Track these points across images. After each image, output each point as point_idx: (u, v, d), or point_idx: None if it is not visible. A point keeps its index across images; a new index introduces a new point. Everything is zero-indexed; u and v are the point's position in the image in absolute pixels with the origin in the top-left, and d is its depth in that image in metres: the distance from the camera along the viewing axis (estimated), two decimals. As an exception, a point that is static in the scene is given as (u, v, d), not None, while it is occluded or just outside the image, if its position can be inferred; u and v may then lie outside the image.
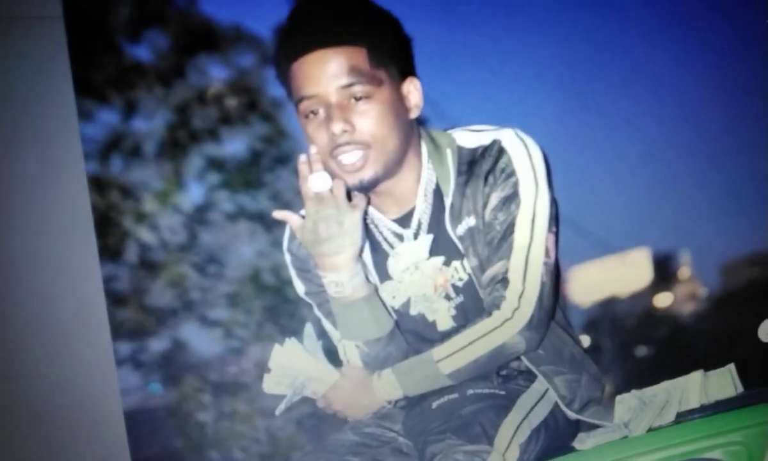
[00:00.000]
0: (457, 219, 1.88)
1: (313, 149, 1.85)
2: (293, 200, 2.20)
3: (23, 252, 2.47)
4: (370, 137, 1.82)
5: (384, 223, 1.94)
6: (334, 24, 1.81)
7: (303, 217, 1.89)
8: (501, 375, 1.95)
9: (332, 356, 2.00)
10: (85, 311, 2.52)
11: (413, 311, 1.96)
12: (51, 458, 2.46)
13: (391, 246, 1.94)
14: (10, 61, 2.43)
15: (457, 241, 1.89)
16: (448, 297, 1.94)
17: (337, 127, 1.80)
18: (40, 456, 2.45)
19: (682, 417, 1.87)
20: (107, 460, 2.52)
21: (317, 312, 2.05)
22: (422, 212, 1.91)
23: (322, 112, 1.82)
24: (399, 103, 1.85)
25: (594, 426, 1.93)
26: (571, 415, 1.93)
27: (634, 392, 1.91)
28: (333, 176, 1.85)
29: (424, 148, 1.91)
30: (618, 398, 1.92)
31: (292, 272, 2.05)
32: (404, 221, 1.93)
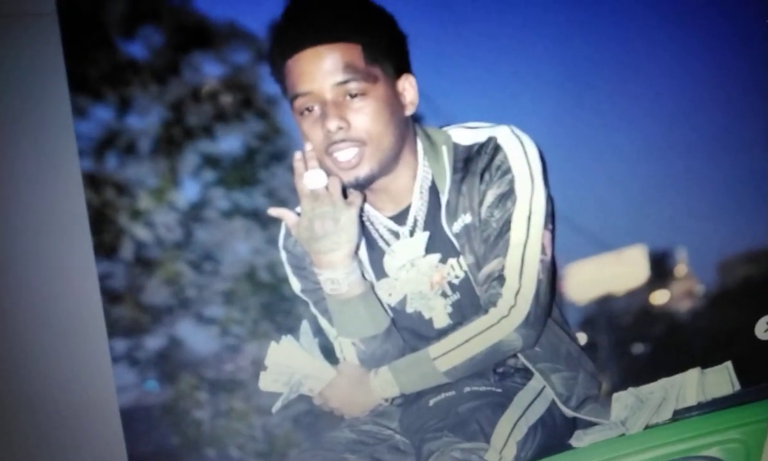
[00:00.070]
0: (453, 216, 1.88)
1: (308, 146, 1.85)
2: (289, 198, 2.20)
3: (18, 250, 2.47)
4: (366, 134, 1.82)
5: (380, 220, 1.94)
6: (329, 21, 1.81)
7: (299, 214, 1.90)
8: (498, 373, 1.95)
9: (329, 353, 2.00)
10: (80, 309, 2.51)
11: (410, 309, 1.97)
12: (47, 455, 2.46)
13: (387, 243, 1.94)
14: (4, 58, 2.43)
15: (453, 238, 1.89)
16: (444, 295, 1.94)
17: (333, 124, 1.80)
18: (36, 454, 2.45)
19: (679, 415, 1.88)
20: (104, 458, 2.51)
21: (313, 310, 2.05)
22: (418, 209, 1.91)
23: (317, 109, 1.82)
24: (394, 100, 1.85)
25: (591, 424, 1.93)
26: (568, 413, 1.94)
27: (631, 389, 1.91)
28: (328, 173, 1.86)
29: (420, 145, 1.91)
30: (615, 395, 1.92)
31: (288, 270, 2.05)
32: (400, 218, 1.93)
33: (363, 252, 1.95)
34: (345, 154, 1.82)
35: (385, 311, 1.96)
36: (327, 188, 1.85)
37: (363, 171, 1.84)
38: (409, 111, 1.88)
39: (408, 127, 1.89)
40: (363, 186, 1.87)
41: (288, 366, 1.96)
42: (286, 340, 1.98)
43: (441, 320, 1.96)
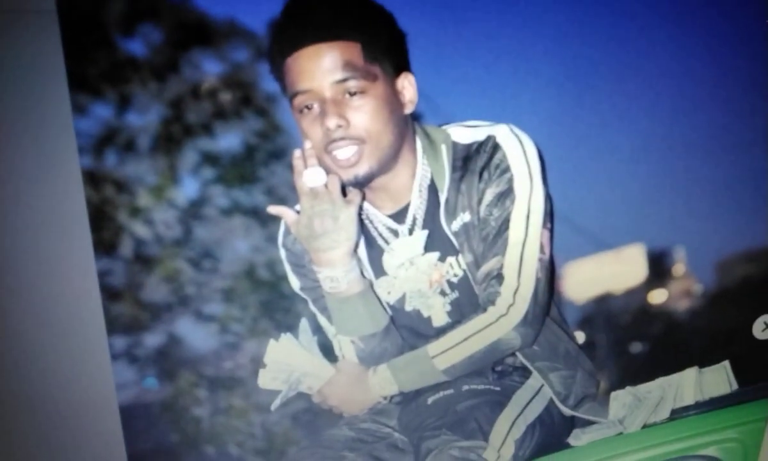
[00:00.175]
0: (452, 215, 1.88)
1: (307, 144, 1.85)
2: (288, 195, 2.20)
3: (17, 247, 2.47)
4: (365, 132, 1.82)
5: (379, 218, 1.94)
6: (329, 19, 1.81)
7: (298, 212, 1.90)
8: (496, 371, 1.95)
9: (328, 351, 2.00)
10: (79, 306, 2.51)
11: (408, 307, 1.97)
12: (47, 453, 2.46)
13: (386, 242, 1.95)
14: (4, 55, 2.43)
15: (452, 237, 1.89)
16: (443, 293, 1.94)
17: (332, 122, 1.80)
18: (35, 451, 2.45)
19: (677, 414, 1.88)
20: (103, 455, 2.51)
21: (312, 308, 2.05)
22: (417, 207, 1.91)
23: (316, 107, 1.82)
24: (393, 99, 1.85)
25: (589, 423, 1.93)
26: (566, 411, 1.94)
27: (628, 388, 1.92)
28: (328, 171, 1.86)
29: (419, 143, 1.91)
30: (613, 394, 1.92)
31: (287, 268, 2.05)
32: (399, 216, 1.93)
33: (362, 250, 1.95)
34: (344, 152, 1.83)
35: (384, 309, 1.96)
36: (326, 186, 1.86)
37: (362, 169, 1.84)
38: (408, 110, 1.88)
39: (407, 125, 1.89)
40: (362, 184, 1.87)
41: (287, 363, 1.96)
42: (285, 338, 1.98)
43: (440, 318, 1.96)
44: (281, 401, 1.98)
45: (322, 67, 1.80)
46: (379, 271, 1.96)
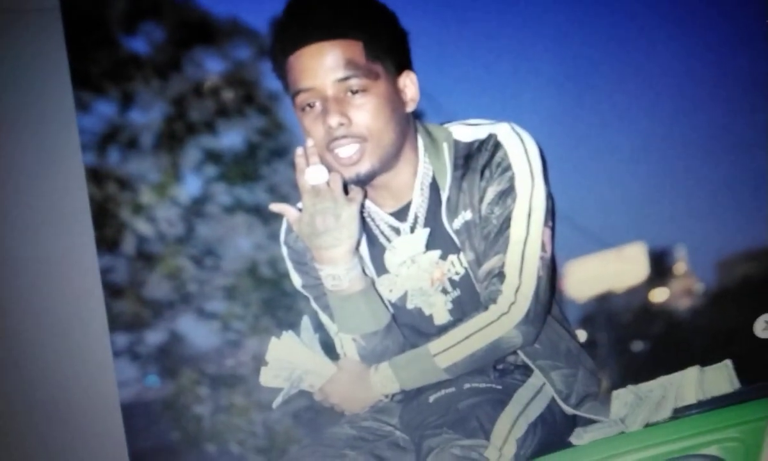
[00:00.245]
0: (453, 213, 1.88)
1: (309, 142, 1.85)
2: (290, 193, 2.21)
3: (20, 244, 2.47)
4: (367, 130, 1.82)
5: (381, 216, 1.94)
6: (331, 17, 1.81)
7: (300, 210, 1.89)
8: (498, 370, 1.95)
9: (329, 349, 1.99)
10: (82, 303, 2.52)
11: (410, 305, 1.96)
12: (48, 450, 2.46)
13: (388, 240, 1.94)
14: (7, 53, 2.43)
15: (453, 235, 1.89)
16: (444, 291, 1.94)
17: (334, 120, 1.80)
18: (37, 448, 2.45)
19: (678, 413, 1.88)
20: (104, 452, 2.52)
21: (314, 305, 2.05)
22: (419, 205, 1.91)
23: (318, 105, 1.82)
24: (395, 97, 1.85)
25: (591, 421, 1.93)
26: (568, 410, 1.93)
27: (630, 387, 1.91)
28: (330, 169, 1.85)
29: (421, 142, 1.91)
30: (614, 393, 1.92)
31: (289, 265, 2.05)
32: (401, 214, 1.93)
33: (364, 248, 1.94)
34: (346, 150, 1.82)
35: (386, 307, 1.95)
36: (328, 184, 1.85)
37: (364, 167, 1.84)
38: (410, 108, 1.88)
39: (409, 124, 1.89)
40: (364, 182, 1.87)
41: (289, 361, 1.96)
42: (287, 335, 1.98)
43: (441, 316, 1.95)
44: (283, 399, 1.98)
45: (324, 65, 1.80)
46: (381, 269, 1.96)
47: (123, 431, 2.54)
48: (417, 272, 1.94)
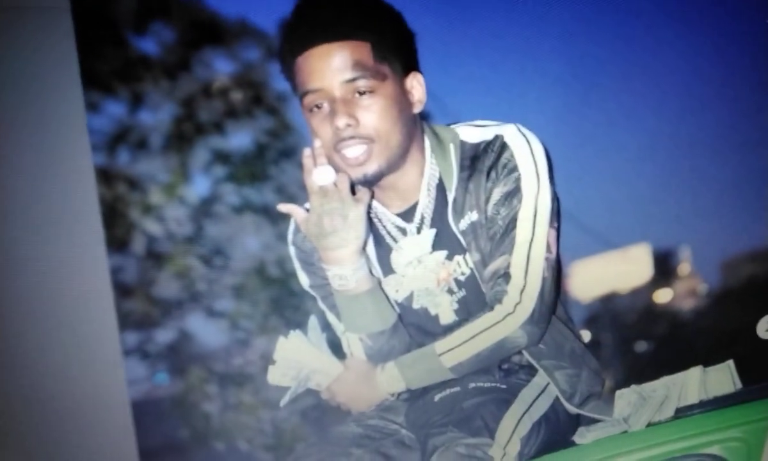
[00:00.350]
0: (459, 214, 1.89)
1: (317, 143, 1.86)
2: (298, 194, 2.22)
3: (31, 243, 2.49)
4: (374, 131, 1.83)
5: (387, 217, 1.95)
6: (339, 19, 1.82)
7: (307, 210, 1.90)
8: (502, 369, 1.96)
9: (336, 348, 2.00)
10: (92, 302, 2.53)
11: (416, 305, 1.97)
12: (58, 447, 2.47)
13: (395, 240, 1.95)
14: (19, 52, 2.44)
15: (459, 235, 1.89)
16: (450, 291, 1.95)
17: (341, 121, 1.81)
18: (47, 445, 2.46)
19: (681, 413, 1.86)
20: (114, 449, 2.53)
21: (321, 305, 2.06)
22: (425, 206, 1.92)
23: (326, 106, 1.83)
24: (402, 98, 1.86)
25: (594, 421, 1.93)
26: (572, 409, 1.94)
27: (633, 387, 1.91)
28: (337, 169, 1.86)
29: (428, 143, 1.92)
30: (618, 393, 1.91)
31: (297, 265, 2.06)
32: (407, 215, 1.94)
33: (370, 248, 1.95)
34: (353, 151, 1.83)
35: (392, 307, 1.96)
36: (335, 184, 1.86)
37: (371, 168, 1.84)
38: (417, 109, 1.89)
39: (416, 124, 1.90)
40: (371, 183, 1.88)
41: (296, 360, 1.96)
42: (295, 335, 1.98)
43: (447, 316, 1.96)
44: (290, 397, 1.98)
45: (332, 66, 1.81)
46: (388, 269, 1.96)
47: (132, 428, 2.56)
48: (423, 272, 1.94)
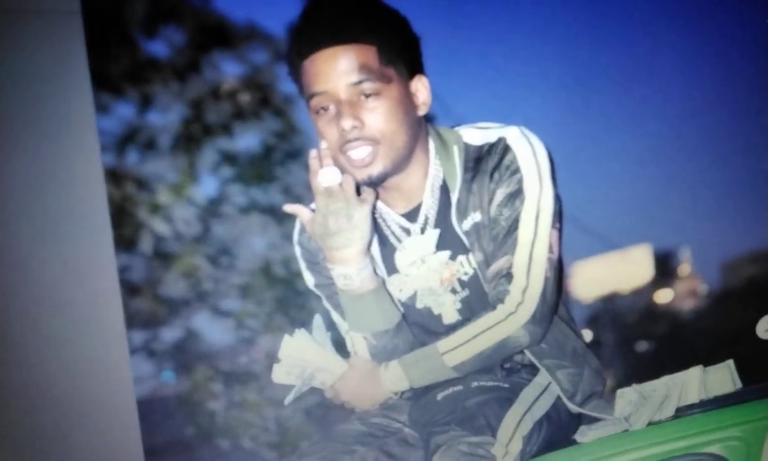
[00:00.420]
0: (463, 215, 1.90)
1: (323, 145, 1.87)
2: (304, 194, 2.23)
3: (40, 242, 2.50)
4: (379, 133, 1.84)
5: (392, 217, 1.97)
6: (345, 22, 1.83)
7: (313, 211, 1.92)
8: (505, 368, 1.97)
9: (340, 347, 2.01)
10: (99, 301, 2.54)
11: (419, 305, 1.98)
12: (64, 444, 2.48)
13: (399, 240, 1.96)
14: (29, 55, 2.46)
15: (462, 236, 1.91)
16: (453, 291, 1.96)
17: (347, 123, 1.82)
18: (53, 443, 2.47)
19: (681, 412, 1.87)
20: (120, 447, 2.54)
21: (326, 304, 2.07)
22: (429, 207, 1.93)
23: (332, 108, 1.85)
24: (407, 101, 1.87)
25: (595, 420, 1.94)
26: (573, 408, 1.95)
27: (634, 386, 1.92)
28: (343, 171, 1.87)
29: (432, 144, 1.93)
30: (619, 392, 1.92)
31: (302, 265, 2.07)
32: (411, 215, 1.95)
33: (375, 248, 1.96)
34: (359, 152, 1.85)
35: (396, 306, 1.97)
36: (341, 185, 1.87)
37: (376, 169, 1.86)
38: (422, 111, 1.90)
39: (420, 127, 1.91)
40: (376, 184, 1.89)
41: (301, 359, 1.97)
42: (300, 333, 1.99)
43: (450, 316, 1.97)
44: (294, 396, 1.99)
45: (338, 69, 1.83)
46: (392, 269, 1.98)
47: (138, 426, 2.56)
48: (427, 272, 1.96)
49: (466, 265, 1.93)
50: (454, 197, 1.90)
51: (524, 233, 1.86)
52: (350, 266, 1.91)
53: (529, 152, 1.86)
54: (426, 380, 1.92)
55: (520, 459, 1.80)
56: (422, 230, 1.94)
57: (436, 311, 1.98)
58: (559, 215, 1.90)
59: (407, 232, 1.96)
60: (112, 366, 2.54)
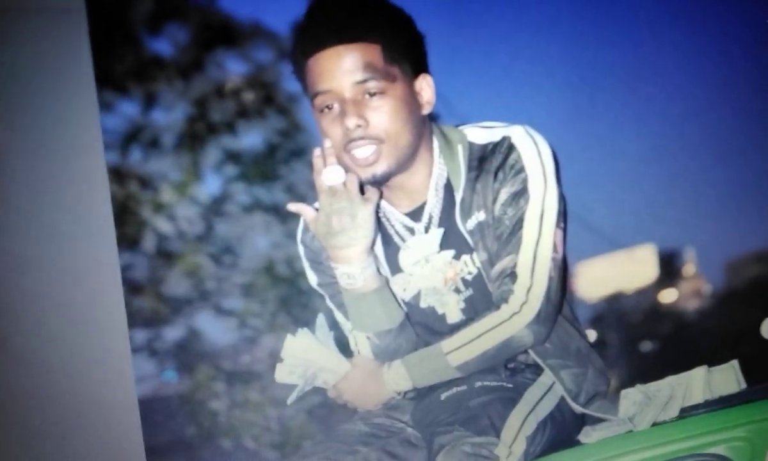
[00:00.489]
0: (467, 214, 1.90)
1: (327, 143, 1.87)
2: (307, 193, 2.23)
3: (42, 240, 2.50)
4: (384, 132, 1.84)
5: (396, 216, 1.97)
6: (350, 21, 1.83)
7: (317, 209, 1.92)
8: (509, 368, 1.96)
9: (344, 347, 2.01)
10: (101, 299, 2.54)
11: (423, 304, 1.98)
12: (64, 444, 2.48)
13: (403, 239, 1.96)
14: (32, 52, 2.46)
15: (467, 235, 1.90)
16: (457, 290, 1.95)
17: (351, 122, 1.83)
18: (53, 441, 2.47)
19: (685, 412, 1.87)
20: (121, 446, 2.53)
21: (329, 303, 2.07)
22: (433, 206, 1.93)
23: (336, 107, 1.85)
24: (412, 100, 1.87)
25: (599, 420, 1.94)
26: (577, 409, 1.95)
27: (639, 386, 1.91)
28: (347, 169, 1.88)
29: (436, 143, 1.93)
30: (623, 392, 1.92)
31: (305, 264, 2.07)
32: (415, 214, 1.95)
33: (378, 248, 1.96)
34: (363, 151, 1.85)
35: (400, 306, 1.97)
36: (345, 184, 1.87)
37: (380, 168, 1.86)
38: (426, 110, 1.90)
39: (425, 125, 1.91)
40: (380, 183, 1.89)
41: (304, 358, 1.97)
42: (303, 333, 1.99)
43: (454, 315, 1.97)
44: (297, 395, 1.99)
45: (342, 68, 1.83)
46: (395, 268, 1.97)
47: (140, 425, 2.56)
48: (431, 271, 1.95)
49: (470, 264, 1.93)
50: (459, 196, 1.90)
51: (528, 232, 1.86)
52: (354, 266, 1.91)
53: (533, 151, 1.86)
54: (429, 380, 1.92)
55: (524, 460, 1.80)
56: (426, 230, 1.94)
57: (439, 311, 1.98)
58: (563, 215, 1.90)
59: (411, 231, 1.96)
60: (113, 364, 2.53)
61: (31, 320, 2.48)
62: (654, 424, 1.87)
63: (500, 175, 1.87)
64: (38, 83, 2.46)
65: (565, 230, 1.91)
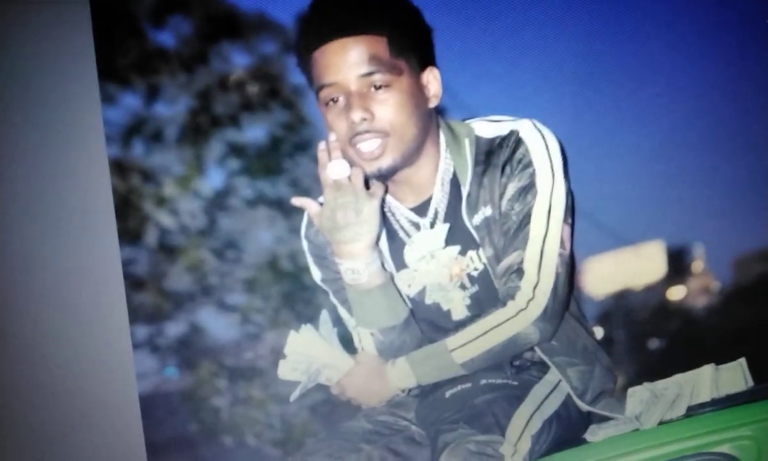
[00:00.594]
0: (473, 209, 1.89)
1: (332, 137, 1.86)
2: (312, 187, 2.22)
3: (43, 235, 2.50)
4: (389, 125, 1.83)
5: (401, 211, 1.95)
6: (356, 13, 1.82)
7: (321, 204, 1.90)
8: (514, 366, 1.96)
9: (347, 343, 2.00)
10: (103, 294, 2.53)
11: (428, 300, 1.97)
12: (66, 440, 2.48)
13: (408, 235, 1.95)
14: (35, 44, 2.45)
15: (473, 231, 1.89)
16: (463, 287, 1.95)
17: (357, 115, 1.81)
18: (54, 438, 2.47)
19: (692, 411, 1.87)
20: (122, 443, 2.53)
21: (333, 299, 2.06)
22: (439, 201, 1.92)
23: (342, 100, 1.83)
24: (418, 93, 1.86)
25: (606, 418, 1.93)
26: (583, 407, 1.94)
27: (645, 385, 1.91)
28: (352, 163, 1.86)
29: (443, 137, 1.92)
30: (630, 390, 1.92)
31: (309, 259, 2.06)
32: (421, 209, 1.94)
33: (383, 243, 1.95)
34: (368, 145, 1.83)
35: (404, 302, 1.96)
36: (350, 178, 1.86)
37: (386, 162, 1.85)
38: (433, 104, 1.89)
39: (431, 119, 1.90)
40: (385, 177, 1.88)
41: (307, 355, 1.97)
42: (306, 329, 1.98)
43: (459, 312, 1.96)
44: (300, 392, 1.98)
45: (348, 60, 1.81)
46: (400, 264, 1.96)
47: (141, 422, 2.56)
48: (436, 267, 1.95)
49: (476, 260, 1.92)
50: (465, 191, 1.89)
51: (536, 228, 1.84)
52: (358, 261, 1.90)
53: (541, 145, 1.85)
54: (434, 377, 1.91)
55: (529, 458, 1.79)
56: (432, 225, 1.93)
57: (445, 307, 1.97)
58: (571, 211, 1.89)
59: (417, 226, 1.94)
60: (115, 360, 2.53)
61: (32, 316, 2.47)
62: (661, 423, 1.87)
63: (507, 169, 1.85)
64: (41, 76, 2.45)
65: (572, 226, 1.90)
